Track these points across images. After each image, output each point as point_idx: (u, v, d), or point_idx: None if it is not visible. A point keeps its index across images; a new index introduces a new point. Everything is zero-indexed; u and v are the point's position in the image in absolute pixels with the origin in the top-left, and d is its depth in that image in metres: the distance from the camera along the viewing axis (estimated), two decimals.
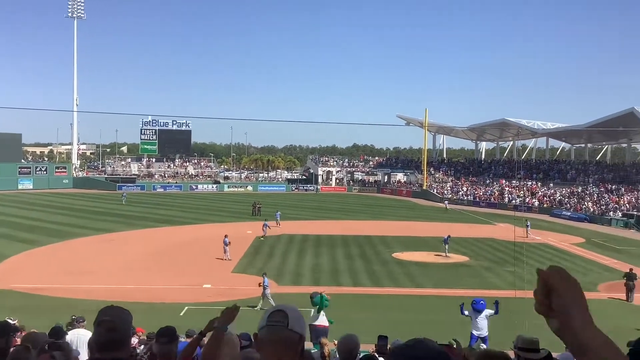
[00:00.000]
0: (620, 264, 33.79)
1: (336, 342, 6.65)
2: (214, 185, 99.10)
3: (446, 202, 73.50)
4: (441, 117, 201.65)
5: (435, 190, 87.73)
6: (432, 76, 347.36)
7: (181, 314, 21.40)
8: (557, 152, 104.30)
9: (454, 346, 7.83)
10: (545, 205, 68.96)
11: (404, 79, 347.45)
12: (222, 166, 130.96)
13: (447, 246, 36.06)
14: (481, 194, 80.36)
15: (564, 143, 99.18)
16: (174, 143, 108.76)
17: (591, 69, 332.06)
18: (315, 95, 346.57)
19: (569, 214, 63.16)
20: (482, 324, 17.13)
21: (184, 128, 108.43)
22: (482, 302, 17.62)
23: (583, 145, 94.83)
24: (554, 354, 12.87)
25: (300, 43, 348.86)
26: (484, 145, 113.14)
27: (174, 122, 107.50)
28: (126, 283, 26.66)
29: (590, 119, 77.61)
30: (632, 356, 3.71)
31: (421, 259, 34.94)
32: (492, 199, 76.85)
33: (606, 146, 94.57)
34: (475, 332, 17.10)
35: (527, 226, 44.95)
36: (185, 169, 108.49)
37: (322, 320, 15.64)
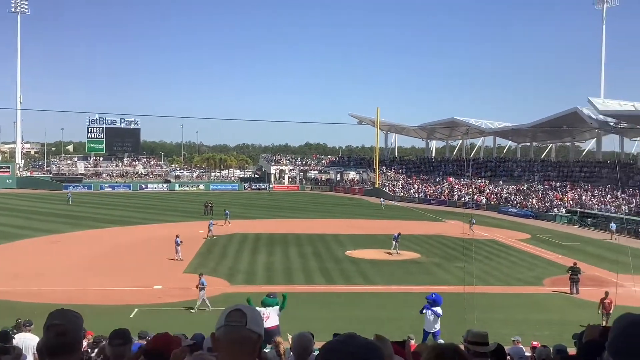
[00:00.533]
0: (564, 259, 34.98)
1: (290, 338, 6.66)
2: (165, 185, 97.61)
3: (382, 200, 74.62)
4: (393, 116, 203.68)
5: (387, 188, 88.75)
6: (384, 75, 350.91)
7: (131, 316, 21.00)
8: (504, 151, 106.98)
9: (412, 342, 7.94)
10: (492, 203, 70.67)
11: (357, 78, 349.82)
12: (173, 165, 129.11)
13: (397, 243, 36.50)
14: (432, 191, 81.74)
15: (510, 142, 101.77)
16: (122, 141, 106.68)
17: (537, 70, 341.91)
18: (268, 94, 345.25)
19: (515, 210, 64.91)
20: (436, 319, 17.16)
21: (132, 126, 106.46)
22: (434, 295, 17.69)
23: (529, 143, 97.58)
24: (520, 347, 13.22)
25: (252, 40, 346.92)
26: (434, 144, 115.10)
27: (122, 120, 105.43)
28: (74, 285, 25.97)
29: (536, 119, 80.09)
30: (584, 348, 3.85)
31: (373, 257, 35.28)
32: (442, 196, 78.27)
33: (551, 145, 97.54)
34: (427, 329, 17.07)
35: (472, 223, 45.62)
36: (135, 168, 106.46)
37: (274, 321, 15.55)
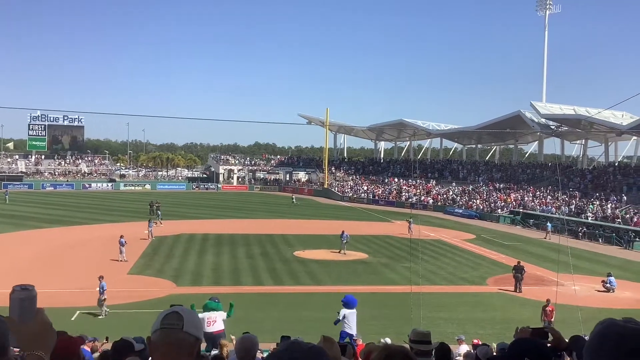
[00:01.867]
0: (508, 258, 35.91)
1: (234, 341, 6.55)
2: (109, 184, 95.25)
3: (293, 196, 77.42)
4: (342, 116, 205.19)
5: (336, 189, 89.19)
6: (334, 76, 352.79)
7: (72, 319, 20.36)
8: (450, 152, 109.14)
9: (360, 343, 7.95)
10: (439, 203, 71.96)
11: (306, 78, 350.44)
12: (118, 164, 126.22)
13: (345, 242, 36.74)
14: (380, 192, 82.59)
15: (456, 144, 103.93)
16: (65, 139, 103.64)
17: (483, 73, 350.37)
18: (216, 93, 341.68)
19: (460, 211, 66.29)
20: (353, 321, 16.12)
21: (76, 124, 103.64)
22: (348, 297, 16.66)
23: (474, 145, 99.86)
24: (464, 346, 13.42)
25: (201, 38, 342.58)
26: (382, 145, 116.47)
27: (65, 117, 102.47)
28: (10, 288, 24.95)
29: (481, 121, 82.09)
30: (511, 346, 3.91)
31: (322, 257, 35.36)
32: (391, 197, 79.20)
33: (495, 147, 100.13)
34: (348, 331, 16.07)
35: (409, 222, 45.85)
36: (78, 166, 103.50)
37: (219, 325, 15.26)
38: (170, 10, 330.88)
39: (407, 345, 5.65)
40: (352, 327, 15.88)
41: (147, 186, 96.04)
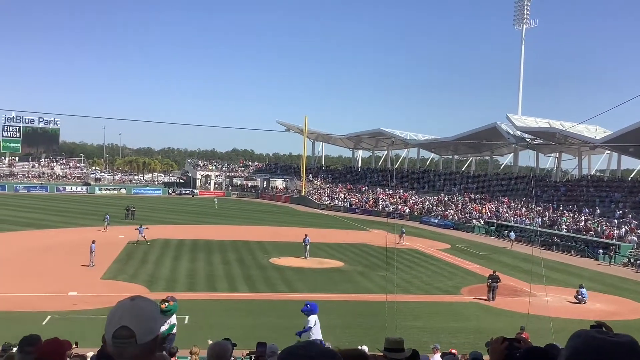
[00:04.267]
0: (482, 268, 36.22)
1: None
2: (84, 187, 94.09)
3: (215, 199, 79.61)
4: (320, 124, 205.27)
5: (313, 196, 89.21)
6: (313, 84, 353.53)
7: (43, 323, 19.99)
8: (427, 162, 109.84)
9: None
10: (415, 213, 72.36)
11: (285, 85, 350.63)
12: (94, 167, 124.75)
13: (307, 246, 37.03)
14: (357, 200, 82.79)
15: (433, 154, 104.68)
16: (40, 141, 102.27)
17: (461, 85, 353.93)
18: (195, 98, 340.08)
19: (436, 221, 66.75)
20: (317, 329, 15.99)
21: (51, 126, 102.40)
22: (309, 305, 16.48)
23: (450, 156, 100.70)
24: (438, 356, 13.47)
25: (179, 42, 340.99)
26: (360, 154, 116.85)
27: (41, 120, 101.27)
28: None
29: (457, 132, 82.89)
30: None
31: (298, 264, 35.29)
32: (367, 206, 79.43)
33: (471, 158, 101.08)
34: (318, 337, 15.78)
35: (402, 232, 47.09)
36: (52, 169, 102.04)
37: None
38: (149, 14, 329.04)
39: (380, 354, 5.68)
40: (320, 333, 15.88)
41: (123, 190, 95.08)
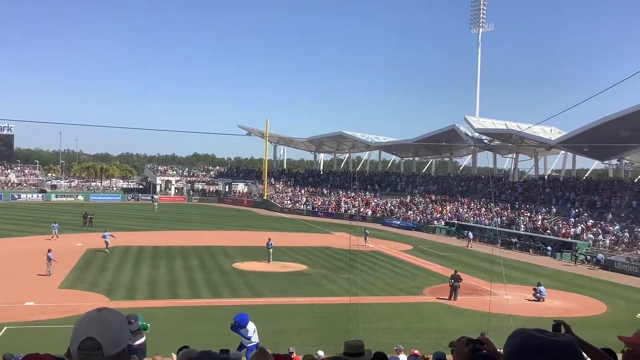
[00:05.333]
0: (443, 268, 36.72)
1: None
2: (40, 195, 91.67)
3: (155, 204, 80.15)
4: (282, 128, 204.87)
5: (275, 200, 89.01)
6: (274, 87, 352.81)
7: None
8: (389, 165, 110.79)
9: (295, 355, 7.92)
10: (378, 215, 72.89)
11: (246, 89, 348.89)
12: (50, 174, 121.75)
13: (271, 250, 36.97)
14: (319, 203, 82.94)
15: (394, 156, 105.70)
16: None
17: (421, 88, 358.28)
18: (154, 102, 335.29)
19: (398, 222, 67.36)
20: (256, 335, 16.00)
21: (5, 132, 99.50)
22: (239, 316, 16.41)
23: (411, 158, 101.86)
24: (403, 356, 13.53)
25: (136, 46, 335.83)
26: (322, 157, 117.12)
27: None
28: None
29: (418, 135, 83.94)
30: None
31: (261, 269, 35.13)
32: (330, 208, 79.65)
33: (431, 160, 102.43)
34: (256, 340, 15.89)
35: (366, 234, 47.57)
36: (7, 176, 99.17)
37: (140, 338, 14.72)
38: (105, 15, 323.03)
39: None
40: (257, 337, 15.83)
41: (80, 197, 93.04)
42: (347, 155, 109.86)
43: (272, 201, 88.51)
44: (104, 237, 39.53)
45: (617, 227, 48.26)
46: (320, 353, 14.88)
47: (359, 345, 5.82)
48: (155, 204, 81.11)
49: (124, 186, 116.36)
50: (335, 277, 33.28)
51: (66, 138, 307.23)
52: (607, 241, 46.45)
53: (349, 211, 75.24)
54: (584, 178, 70.74)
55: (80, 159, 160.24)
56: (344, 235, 47.83)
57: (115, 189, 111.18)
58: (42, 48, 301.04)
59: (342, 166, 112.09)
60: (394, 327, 22.67)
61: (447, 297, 28.13)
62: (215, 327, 21.84)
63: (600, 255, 42.77)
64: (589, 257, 43.77)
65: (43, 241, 41.54)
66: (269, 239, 38.05)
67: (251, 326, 15.96)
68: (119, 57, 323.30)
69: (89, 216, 54.85)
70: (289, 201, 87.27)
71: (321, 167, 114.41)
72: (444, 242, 54.48)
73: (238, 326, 15.95)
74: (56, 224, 45.78)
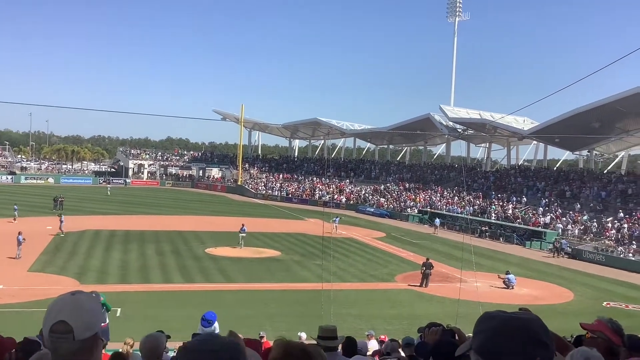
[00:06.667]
0: (415, 256, 37.11)
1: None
2: (9, 177, 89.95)
3: (109, 187, 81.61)
4: (257, 113, 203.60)
5: (250, 186, 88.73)
6: (249, 73, 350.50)
7: None
8: (364, 152, 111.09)
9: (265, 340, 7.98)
10: (352, 202, 73.17)
11: (221, 73, 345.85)
12: (19, 156, 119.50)
13: (242, 235, 36.93)
14: (294, 190, 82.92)
15: (369, 144, 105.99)
16: None
17: (397, 76, 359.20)
18: (127, 84, 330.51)
19: (372, 210, 67.74)
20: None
21: None
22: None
23: (386, 146, 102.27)
24: (374, 342, 13.67)
25: (109, 27, 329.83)
26: (297, 143, 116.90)
27: None
28: None
29: (393, 122, 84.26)
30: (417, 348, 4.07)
31: (234, 254, 35.08)
32: (304, 195, 79.69)
33: (406, 148, 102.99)
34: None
35: (335, 221, 47.51)
36: None
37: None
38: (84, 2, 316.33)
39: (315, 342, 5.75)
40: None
41: (50, 180, 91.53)
42: (322, 142, 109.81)
43: (246, 187, 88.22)
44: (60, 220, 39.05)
45: (585, 217, 49.22)
46: (303, 335, 14.97)
47: (332, 330, 5.96)
48: (109, 186, 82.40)
49: (96, 169, 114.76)
50: (308, 263, 33.40)
51: (37, 119, 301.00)
52: (576, 231, 47.38)
53: (323, 198, 75.36)
54: (555, 168, 71.88)
55: (51, 141, 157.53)
56: (318, 221, 47.95)
57: (86, 172, 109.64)
58: (12, 28, 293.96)
59: (317, 153, 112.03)
60: (366, 313, 22.88)
61: (419, 284, 28.48)
62: (188, 311, 21.79)
63: (564, 242, 43.66)
64: (565, 247, 44.48)
65: (5, 224, 40.92)
66: (243, 225, 37.97)
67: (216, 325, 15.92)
68: (92, 37, 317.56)
69: (60, 199, 54.02)
70: (263, 187, 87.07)
71: (296, 154, 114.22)
72: (417, 229, 54.98)
73: (206, 321, 15.93)
74: (16, 206, 45.10)
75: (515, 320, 1.70)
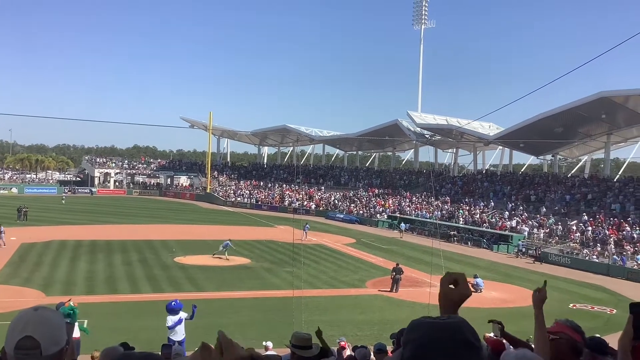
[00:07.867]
0: (385, 261, 37.30)
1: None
2: None
3: (63, 194, 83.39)
4: (225, 121, 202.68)
5: (219, 193, 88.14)
6: (217, 79, 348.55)
7: None
8: (333, 158, 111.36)
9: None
10: (321, 208, 73.22)
11: (189, 80, 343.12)
12: None
13: (226, 250, 36.45)
14: (263, 197, 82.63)
15: (338, 150, 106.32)
16: None
17: (365, 82, 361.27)
18: (91, 92, 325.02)
19: (342, 216, 67.90)
20: (181, 328, 16.14)
21: None
22: (176, 302, 16.68)
23: (355, 152, 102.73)
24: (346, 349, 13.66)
25: (74, 32, 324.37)
26: (266, 150, 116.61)
27: None
28: None
29: (361, 129, 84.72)
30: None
31: (204, 263, 34.76)
32: (274, 202, 79.48)
33: (374, 154, 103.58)
34: (173, 337, 15.82)
35: (306, 228, 47.49)
36: None
37: (74, 332, 14.44)
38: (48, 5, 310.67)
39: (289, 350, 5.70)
40: (179, 334, 15.98)
41: (14, 190, 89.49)
42: (291, 148, 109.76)
43: (215, 194, 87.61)
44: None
45: (551, 220, 50.14)
46: (269, 344, 14.90)
47: (307, 339, 5.80)
48: (63, 195, 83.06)
49: (61, 178, 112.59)
50: (278, 270, 33.29)
51: None
52: (542, 234, 48.23)
53: (293, 204, 75.28)
54: (520, 173, 73.12)
55: (14, 150, 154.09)
56: (288, 228, 47.82)
57: (51, 181, 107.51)
58: None
59: (286, 159, 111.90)
60: (337, 320, 22.88)
61: (389, 290, 28.64)
62: (157, 322, 21.49)
63: (521, 244, 45.60)
64: (523, 250, 45.26)
65: None
66: (229, 239, 37.15)
67: (176, 317, 15.93)
68: (56, 43, 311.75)
69: (24, 209, 52.86)
70: (232, 194, 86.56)
71: (265, 161, 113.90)
72: (386, 235, 55.28)
73: (170, 309, 15.99)
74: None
75: (442, 325, 1.69)
